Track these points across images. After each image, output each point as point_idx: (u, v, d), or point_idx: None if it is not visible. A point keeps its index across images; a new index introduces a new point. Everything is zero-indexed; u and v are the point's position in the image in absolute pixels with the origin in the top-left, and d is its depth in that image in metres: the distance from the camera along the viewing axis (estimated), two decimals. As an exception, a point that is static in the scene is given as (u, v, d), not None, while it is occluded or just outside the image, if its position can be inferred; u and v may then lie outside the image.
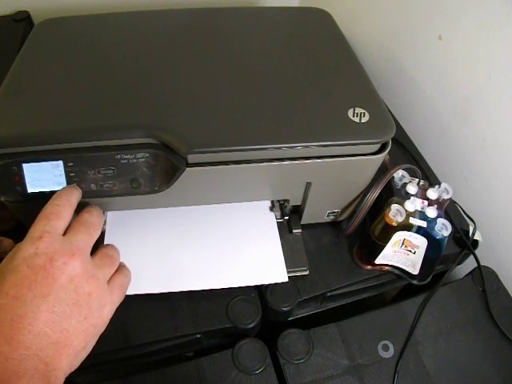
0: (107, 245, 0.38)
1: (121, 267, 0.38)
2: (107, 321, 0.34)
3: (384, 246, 0.47)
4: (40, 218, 0.34)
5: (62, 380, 0.30)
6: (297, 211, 0.52)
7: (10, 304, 0.29)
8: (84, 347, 0.32)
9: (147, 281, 0.46)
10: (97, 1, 0.79)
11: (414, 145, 0.65)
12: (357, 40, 0.76)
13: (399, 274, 0.51)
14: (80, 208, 0.38)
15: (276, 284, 0.47)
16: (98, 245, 0.47)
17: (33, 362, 0.28)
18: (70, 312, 0.31)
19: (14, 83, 0.44)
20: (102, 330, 0.34)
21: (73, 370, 0.32)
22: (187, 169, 0.40)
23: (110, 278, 0.36)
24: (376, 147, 0.43)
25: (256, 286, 0.48)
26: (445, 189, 0.48)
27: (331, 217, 0.52)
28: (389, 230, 0.45)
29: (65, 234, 0.34)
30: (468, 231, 0.54)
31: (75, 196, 0.37)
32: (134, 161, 0.40)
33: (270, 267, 0.48)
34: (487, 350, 0.47)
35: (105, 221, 0.49)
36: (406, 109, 0.70)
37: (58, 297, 0.30)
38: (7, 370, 0.27)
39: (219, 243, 0.49)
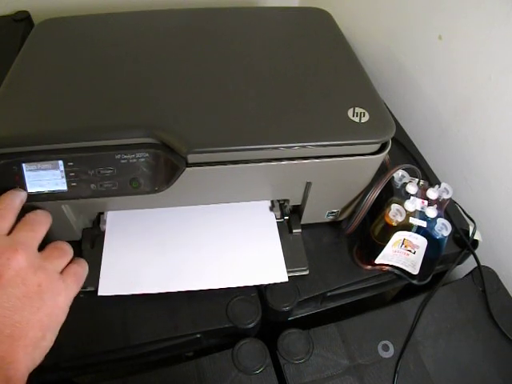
0: (57, 241, 0.38)
1: (75, 258, 0.39)
2: (65, 309, 0.35)
3: (384, 246, 0.47)
4: None
5: (25, 372, 0.31)
6: (297, 211, 0.52)
7: None
8: (42, 337, 0.32)
9: (147, 281, 0.46)
10: (97, 1, 0.79)
11: (414, 145, 0.65)
12: (357, 40, 0.76)
13: (399, 273, 0.51)
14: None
15: (276, 284, 0.47)
16: (98, 247, 0.48)
17: None
18: (21, 304, 0.31)
19: (14, 83, 0.44)
20: (61, 319, 0.34)
21: (37, 362, 0.32)
22: (187, 169, 0.40)
23: (64, 268, 0.37)
24: (376, 147, 0.43)
25: (256, 286, 0.48)
26: (445, 189, 0.48)
27: (331, 217, 0.52)
28: (389, 230, 0.45)
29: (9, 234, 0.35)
30: (468, 231, 0.54)
31: (18, 199, 0.38)
32: (134, 161, 0.40)
33: (269, 267, 0.48)
34: (487, 350, 0.47)
35: (105, 221, 0.49)
36: (406, 109, 0.70)
37: (6, 292, 0.31)
38: None
39: (219, 243, 0.49)
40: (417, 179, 0.49)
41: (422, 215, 0.45)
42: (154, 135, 0.40)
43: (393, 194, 0.48)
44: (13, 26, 0.74)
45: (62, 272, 0.36)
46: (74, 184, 0.40)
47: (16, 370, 0.30)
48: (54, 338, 0.34)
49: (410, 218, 0.45)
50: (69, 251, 0.38)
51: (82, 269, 0.39)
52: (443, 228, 0.45)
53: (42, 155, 0.39)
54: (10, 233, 0.35)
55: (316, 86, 0.46)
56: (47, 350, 0.33)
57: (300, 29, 0.56)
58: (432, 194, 0.47)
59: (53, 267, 0.35)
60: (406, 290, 0.56)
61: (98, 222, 0.49)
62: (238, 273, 0.47)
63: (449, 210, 0.54)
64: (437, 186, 0.48)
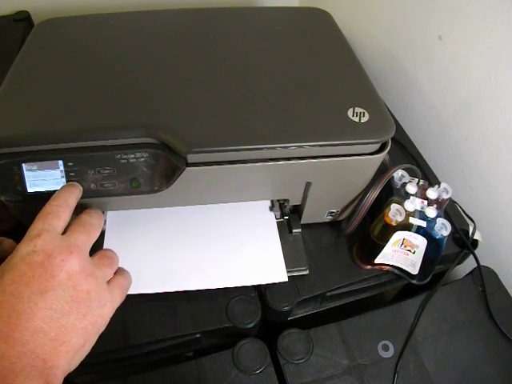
0: (106, 248, 0.38)
1: (121, 269, 0.38)
2: (107, 320, 0.34)
3: (384, 246, 0.47)
4: (38, 217, 0.34)
5: (61, 378, 0.30)
6: (297, 211, 0.52)
7: (7, 301, 0.29)
8: (83, 345, 0.32)
9: (147, 281, 0.46)
10: (97, 1, 0.79)
11: (414, 145, 0.65)
12: (357, 40, 0.76)
13: (399, 273, 0.51)
14: (80, 210, 0.38)
15: (276, 284, 0.47)
16: (97, 247, 0.47)
17: (30, 358, 0.28)
18: (69, 309, 0.31)
19: (14, 83, 0.44)
20: (102, 329, 0.34)
21: (72, 369, 0.32)
22: (187, 169, 0.40)
23: (110, 278, 0.36)
24: (376, 147, 0.43)
25: (256, 286, 0.48)
26: (444, 189, 0.48)
27: (331, 217, 0.52)
28: (388, 230, 0.45)
29: (64, 233, 0.34)
30: (468, 231, 0.54)
31: (74, 196, 0.37)
32: (134, 161, 0.40)
33: (269, 267, 0.47)
34: (487, 350, 0.47)
35: (105, 221, 0.49)
36: (406, 109, 0.70)
37: (56, 294, 0.30)
38: (3, 367, 0.27)
39: (219, 243, 0.49)
40: (416, 179, 0.49)
41: (422, 215, 0.45)
42: (154, 135, 0.40)
43: (393, 193, 0.48)
44: (13, 26, 0.74)
45: (108, 281, 0.35)
46: (74, 184, 0.40)
47: (54, 376, 0.29)
48: (90, 348, 0.33)
49: (410, 217, 0.45)
50: (117, 261, 0.37)
51: (127, 282, 0.38)
52: (443, 228, 0.45)
53: (42, 155, 0.39)
54: (63, 232, 0.34)
55: (316, 86, 0.46)
56: (82, 359, 0.33)
57: (300, 29, 0.56)
58: (432, 193, 0.47)
59: (102, 275, 0.34)
60: (406, 290, 0.56)
61: (97, 221, 0.49)
62: (238, 273, 0.47)
63: (448, 209, 0.54)
64: (436, 186, 0.48)
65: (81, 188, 0.39)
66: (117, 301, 0.35)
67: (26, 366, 0.28)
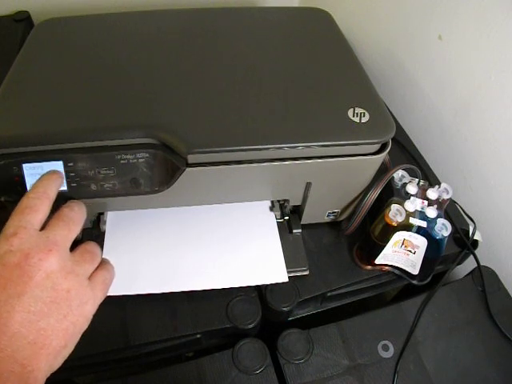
0: (88, 241, 0.36)
1: (103, 263, 0.36)
2: (90, 318, 0.33)
3: (384, 246, 0.47)
4: (15, 213, 0.32)
5: (43, 380, 0.29)
6: (297, 211, 0.52)
7: None
8: (64, 346, 0.31)
9: (147, 281, 0.46)
10: (97, 1, 0.79)
11: (414, 145, 0.65)
12: (357, 40, 0.76)
13: (399, 274, 0.51)
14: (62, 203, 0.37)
15: (276, 284, 0.47)
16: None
17: (8, 364, 0.27)
18: (48, 310, 0.30)
19: (14, 83, 0.44)
20: (84, 327, 0.33)
21: (54, 369, 0.31)
22: (187, 169, 0.40)
23: (92, 274, 0.34)
24: (376, 147, 0.43)
25: (256, 286, 0.48)
26: (445, 189, 0.48)
27: (331, 217, 0.52)
28: (389, 230, 0.45)
29: (42, 229, 0.32)
30: (468, 231, 0.54)
31: (54, 185, 0.35)
32: (134, 161, 0.40)
33: (270, 267, 0.48)
34: (487, 350, 0.47)
35: (105, 221, 0.49)
36: (406, 109, 0.70)
37: (34, 295, 0.29)
38: None
39: (219, 243, 0.49)
40: (417, 179, 0.49)
41: (422, 215, 0.45)
42: (154, 135, 0.40)
43: (393, 194, 0.48)
44: (13, 26, 0.74)
45: (90, 277, 0.34)
46: (74, 184, 0.40)
47: (35, 379, 0.28)
48: (73, 347, 0.32)
49: (410, 218, 0.45)
50: (99, 255, 0.36)
51: (110, 276, 0.36)
52: (443, 228, 0.45)
53: (42, 155, 0.39)
54: (42, 227, 0.32)
55: (316, 86, 0.46)
56: (66, 358, 0.31)
57: (300, 29, 0.56)
58: (432, 194, 0.47)
59: (83, 272, 0.33)
60: (406, 290, 0.56)
61: (97, 222, 0.49)
62: (238, 273, 0.47)
63: (449, 210, 0.54)
64: (437, 186, 0.48)
65: (62, 175, 0.37)
66: (99, 297, 0.34)
67: (4, 371, 0.27)
